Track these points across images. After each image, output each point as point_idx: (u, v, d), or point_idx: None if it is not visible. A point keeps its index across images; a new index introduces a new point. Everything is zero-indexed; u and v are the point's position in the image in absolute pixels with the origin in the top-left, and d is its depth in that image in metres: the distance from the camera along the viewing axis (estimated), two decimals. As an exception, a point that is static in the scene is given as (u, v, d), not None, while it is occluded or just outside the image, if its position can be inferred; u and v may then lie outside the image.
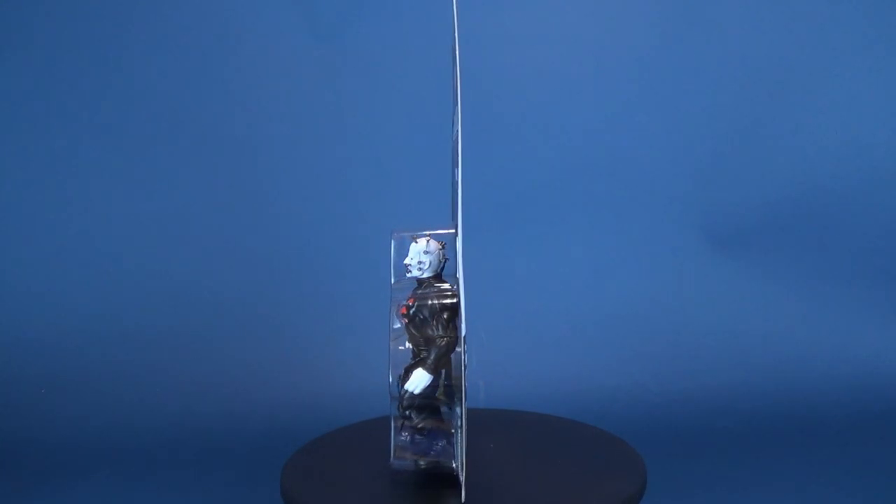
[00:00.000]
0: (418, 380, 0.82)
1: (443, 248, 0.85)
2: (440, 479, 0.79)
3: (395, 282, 0.86)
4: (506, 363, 1.36)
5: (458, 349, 0.82)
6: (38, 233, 1.53)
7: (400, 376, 0.84)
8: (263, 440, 1.14)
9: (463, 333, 0.81)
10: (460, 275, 0.82)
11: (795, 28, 1.52)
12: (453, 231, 0.84)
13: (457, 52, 0.81)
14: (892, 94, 1.53)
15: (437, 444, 0.82)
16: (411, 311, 0.83)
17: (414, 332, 0.83)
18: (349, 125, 1.55)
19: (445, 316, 0.82)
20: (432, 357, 0.82)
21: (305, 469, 0.85)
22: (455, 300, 0.82)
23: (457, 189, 0.82)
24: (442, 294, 0.83)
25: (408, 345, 0.84)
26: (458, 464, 0.79)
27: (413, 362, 0.82)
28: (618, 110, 1.54)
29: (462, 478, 0.78)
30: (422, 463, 0.83)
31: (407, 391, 0.82)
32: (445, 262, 0.85)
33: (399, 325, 0.84)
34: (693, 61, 1.54)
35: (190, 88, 1.58)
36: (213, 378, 1.19)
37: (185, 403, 1.12)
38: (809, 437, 1.15)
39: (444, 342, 0.82)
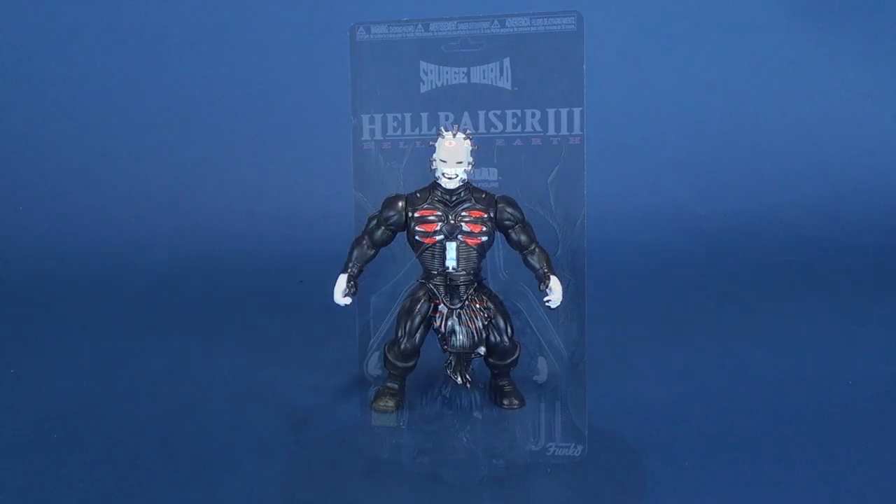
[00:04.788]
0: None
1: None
2: (439, 477, 0.79)
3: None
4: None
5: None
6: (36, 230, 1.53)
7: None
8: (263, 440, 1.14)
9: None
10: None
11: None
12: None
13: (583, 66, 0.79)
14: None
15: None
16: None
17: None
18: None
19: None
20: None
21: (305, 469, 0.85)
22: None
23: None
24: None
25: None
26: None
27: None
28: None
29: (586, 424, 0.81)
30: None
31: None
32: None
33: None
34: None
35: (185, 91, 1.58)
36: (214, 378, 1.19)
37: (185, 403, 1.12)
38: (809, 436, 1.15)
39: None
